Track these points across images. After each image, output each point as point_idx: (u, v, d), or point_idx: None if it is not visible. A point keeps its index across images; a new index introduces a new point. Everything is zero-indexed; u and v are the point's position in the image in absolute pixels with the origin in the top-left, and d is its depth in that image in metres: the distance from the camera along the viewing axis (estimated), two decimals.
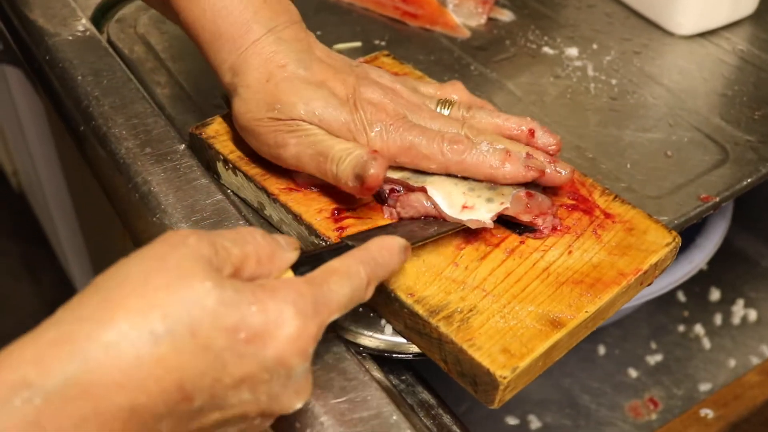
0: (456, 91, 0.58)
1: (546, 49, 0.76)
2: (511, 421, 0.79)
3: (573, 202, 0.56)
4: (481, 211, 0.52)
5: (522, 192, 0.53)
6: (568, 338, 0.48)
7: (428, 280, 0.50)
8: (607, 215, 0.55)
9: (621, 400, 0.82)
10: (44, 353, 0.33)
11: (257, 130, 0.54)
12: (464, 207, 0.52)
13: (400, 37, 0.77)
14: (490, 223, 0.52)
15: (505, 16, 0.81)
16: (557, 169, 0.54)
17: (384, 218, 0.53)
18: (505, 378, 0.45)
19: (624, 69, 0.74)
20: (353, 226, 0.53)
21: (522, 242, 0.53)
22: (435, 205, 0.52)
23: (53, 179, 1.30)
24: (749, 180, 0.63)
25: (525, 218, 0.53)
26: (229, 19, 0.53)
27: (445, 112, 0.56)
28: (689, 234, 0.81)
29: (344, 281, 0.41)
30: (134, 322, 0.34)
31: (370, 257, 0.43)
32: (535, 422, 0.79)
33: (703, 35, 0.79)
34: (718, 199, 0.61)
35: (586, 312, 0.49)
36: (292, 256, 0.43)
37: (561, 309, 0.49)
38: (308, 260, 0.43)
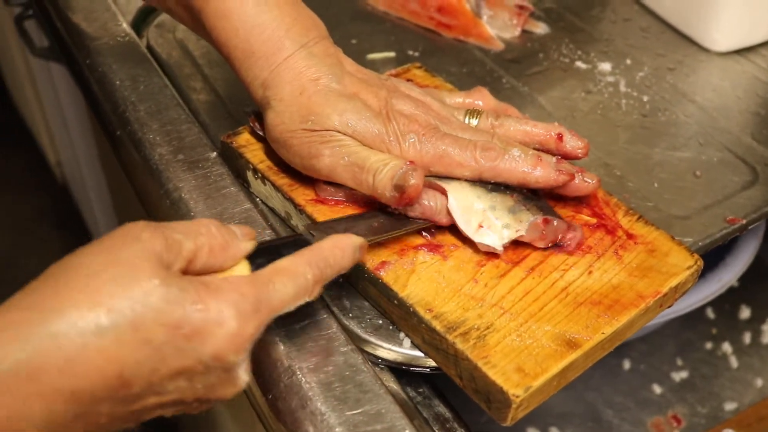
0: (482, 98, 0.60)
1: (579, 64, 0.76)
2: None
3: (596, 221, 0.56)
4: (495, 236, 0.53)
5: (539, 219, 0.53)
6: (583, 359, 0.49)
7: (447, 296, 0.50)
8: (630, 236, 0.55)
9: (644, 416, 0.82)
10: None
11: (290, 142, 0.55)
12: (480, 226, 0.53)
13: (434, 48, 0.78)
14: (500, 250, 0.53)
15: (540, 28, 0.81)
16: (585, 178, 0.55)
17: (414, 237, 0.54)
18: (518, 397, 0.45)
19: (657, 85, 0.74)
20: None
21: (542, 261, 0.53)
22: (450, 215, 0.53)
23: (94, 174, 1.33)
24: None
25: (540, 245, 0.53)
26: (262, 37, 0.55)
27: (474, 122, 0.57)
28: (719, 252, 0.80)
29: (289, 281, 0.43)
30: (81, 313, 0.37)
31: (320, 257, 0.45)
32: None
33: (739, 52, 0.78)
34: (745, 221, 0.61)
35: (603, 333, 0.49)
36: (247, 246, 0.44)
37: (577, 329, 0.49)
38: (265, 252, 0.44)
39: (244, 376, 0.42)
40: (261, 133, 0.59)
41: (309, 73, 0.55)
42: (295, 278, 0.43)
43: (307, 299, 0.44)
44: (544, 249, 0.54)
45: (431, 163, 0.54)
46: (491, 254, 0.53)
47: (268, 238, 0.46)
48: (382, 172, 0.52)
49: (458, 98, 0.60)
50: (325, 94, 0.54)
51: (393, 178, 0.51)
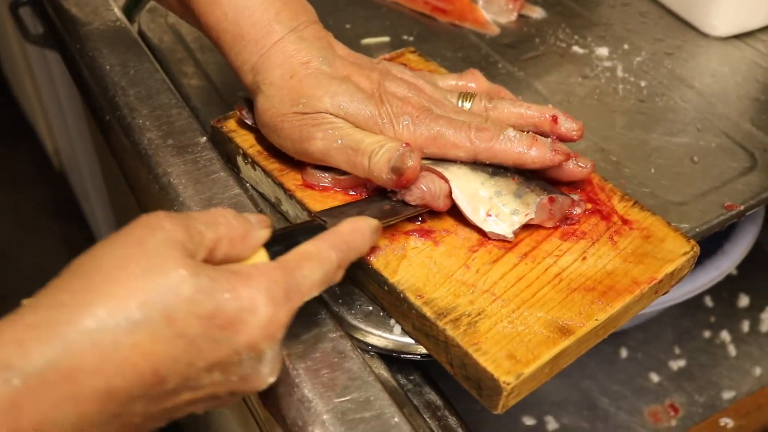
0: (475, 80, 0.59)
1: (576, 48, 0.75)
2: (528, 421, 0.78)
3: (591, 206, 0.55)
4: (505, 224, 0.52)
5: (545, 198, 0.52)
6: (576, 346, 0.48)
7: (438, 281, 0.50)
8: (625, 221, 0.54)
9: (641, 405, 0.81)
10: (24, 336, 0.34)
11: (281, 126, 0.54)
12: (488, 215, 0.52)
13: (429, 33, 0.77)
14: (511, 237, 0.52)
15: (536, 13, 0.80)
16: (579, 163, 0.54)
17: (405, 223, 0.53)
18: (508, 384, 0.45)
19: (654, 71, 0.73)
20: None
21: (535, 247, 0.52)
22: (449, 199, 0.53)
23: (90, 161, 1.32)
24: None
25: (549, 224, 0.53)
26: (251, 20, 0.54)
27: (467, 105, 0.56)
28: (718, 239, 0.79)
29: (316, 266, 0.42)
30: (112, 308, 0.35)
31: (342, 241, 0.44)
32: (552, 423, 0.79)
33: (738, 37, 0.77)
34: (742, 207, 0.60)
35: (596, 320, 0.48)
36: (264, 234, 0.43)
37: (570, 316, 0.48)
38: (281, 239, 0.44)
39: (274, 364, 0.41)
40: (248, 121, 0.58)
41: (299, 56, 0.54)
42: (322, 263, 0.43)
43: (332, 284, 0.44)
44: (554, 228, 0.53)
45: (426, 145, 0.53)
46: (484, 240, 0.52)
47: (281, 226, 0.45)
48: (377, 154, 0.51)
49: (451, 81, 0.59)
50: (316, 76, 0.53)
51: (390, 160, 0.51)
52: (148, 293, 0.36)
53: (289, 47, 0.54)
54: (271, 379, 0.42)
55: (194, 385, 0.38)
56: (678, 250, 0.53)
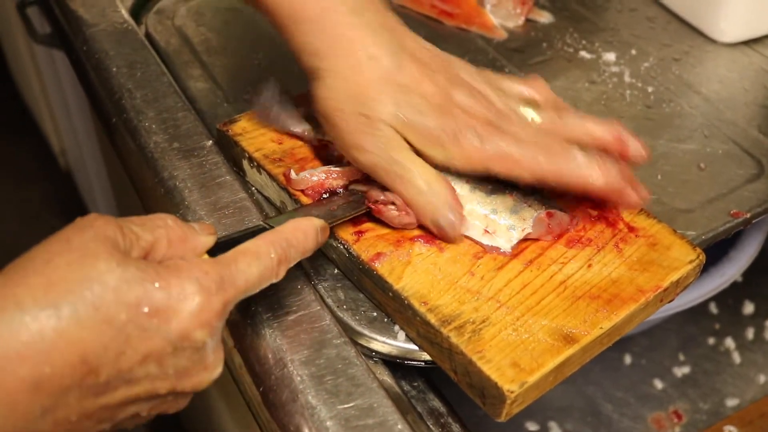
0: (540, 89, 0.56)
1: (583, 54, 0.75)
2: (532, 426, 0.78)
3: (597, 213, 0.55)
4: (502, 239, 0.52)
5: (543, 213, 0.52)
6: (581, 354, 0.48)
7: (443, 288, 0.50)
8: (631, 229, 0.54)
9: (644, 412, 0.81)
10: None
11: (338, 122, 0.52)
12: (485, 232, 0.52)
13: (436, 36, 0.77)
14: (509, 252, 0.52)
15: (544, 17, 0.79)
16: (640, 192, 0.53)
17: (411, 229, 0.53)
18: (512, 392, 0.44)
19: (662, 76, 0.72)
20: (372, 230, 0.53)
21: (541, 254, 0.52)
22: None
23: (95, 162, 1.32)
24: None
25: (547, 239, 0.52)
26: (321, 4, 0.51)
27: (533, 114, 0.54)
28: (723, 246, 0.79)
29: (252, 261, 0.42)
30: (36, 297, 0.35)
31: (282, 238, 0.44)
32: (555, 429, 0.79)
33: (746, 43, 0.77)
34: (749, 215, 0.60)
35: (601, 328, 0.48)
36: (208, 240, 0.43)
37: (575, 324, 0.48)
38: (225, 246, 0.43)
39: (215, 359, 0.41)
40: (255, 107, 0.58)
41: (368, 50, 0.51)
42: (259, 258, 0.42)
43: (273, 280, 0.43)
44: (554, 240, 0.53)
45: (491, 163, 0.51)
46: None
47: (227, 234, 0.45)
48: (424, 195, 0.51)
49: (516, 86, 0.56)
50: (382, 77, 0.51)
51: (435, 212, 0.51)
52: (73, 282, 0.36)
53: (356, 34, 0.51)
54: (212, 377, 0.41)
55: (129, 378, 0.38)
56: (684, 258, 0.53)
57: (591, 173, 0.51)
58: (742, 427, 0.73)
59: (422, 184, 0.51)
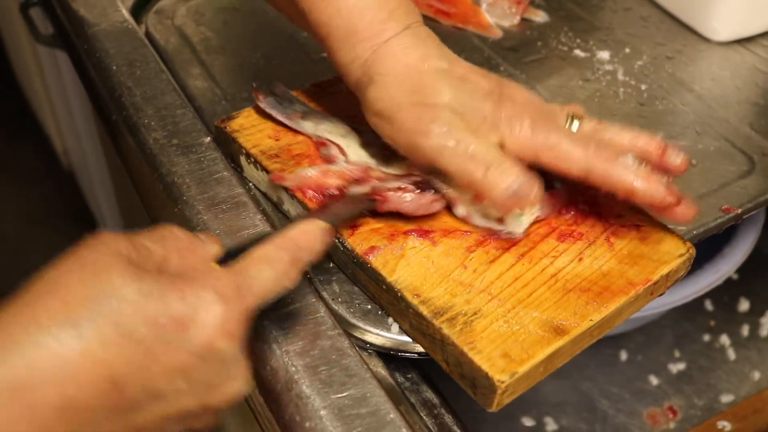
0: (576, 108, 0.57)
1: (577, 52, 0.76)
2: (527, 422, 0.79)
3: (588, 207, 0.56)
4: (514, 224, 0.53)
5: (546, 195, 0.53)
6: (571, 346, 0.49)
7: (435, 281, 0.50)
8: (622, 224, 0.55)
9: (640, 407, 0.81)
10: None
11: (396, 115, 0.52)
12: (498, 220, 0.54)
13: None
14: (521, 234, 0.53)
15: (539, 16, 0.80)
16: (688, 206, 0.52)
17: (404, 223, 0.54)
18: (503, 382, 0.45)
19: (655, 74, 0.73)
20: (366, 224, 0.54)
21: (533, 247, 0.53)
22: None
23: (98, 161, 1.33)
24: None
25: (552, 216, 0.55)
26: (366, 19, 0.53)
27: (576, 123, 0.55)
28: (717, 243, 0.80)
29: (265, 266, 0.42)
30: (56, 319, 0.35)
31: (291, 241, 0.44)
32: (551, 424, 0.80)
33: (739, 41, 0.77)
34: (740, 210, 0.60)
35: (591, 320, 0.49)
36: (215, 248, 0.44)
37: (565, 316, 0.49)
38: (233, 254, 0.43)
39: (242, 370, 0.40)
40: (262, 105, 0.59)
41: (417, 50, 0.53)
42: (272, 263, 0.42)
43: (288, 284, 0.43)
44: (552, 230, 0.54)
45: (541, 152, 0.52)
46: (481, 240, 0.53)
47: (234, 243, 0.46)
48: (496, 170, 0.50)
49: (556, 106, 0.57)
50: (437, 71, 0.53)
51: (511, 184, 0.50)
52: (91, 301, 0.36)
53: (405, 41, 0.53)
54: (242, 388, 0.41)
55: (157, 395, 0.37)
56: (674, 251, 0.53)
57: (637, 178, 0.51)
58: (736, 423, 0.74)
59: (492, 160, 0.51)
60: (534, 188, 0.51)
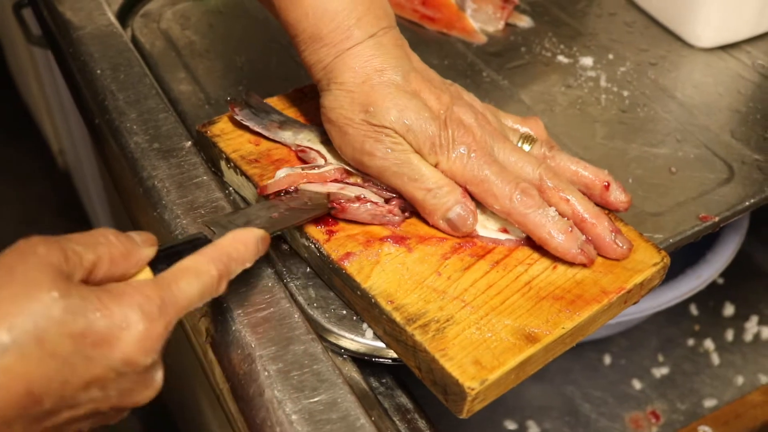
0: (536, 128, 0.59)
1: (561, 58, 0.76)
2: (510, 425, 0.79)
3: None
4: (516, 231, 0.54)
5: None
6: (543, 353, 0.49)
7: (409, 288, 0.51)
8: None
9: (622, 411, 0.82)
10: None
11: (346, 129, 0.54)
12: (500, 230, 0.55)
13: (416, 41, 0.78)
14: (523, 237, 0.54)
15: (524, 22, 0.81)
16: (617, 241, 0.53)
17: (381, 229, 0.54)
18: (473, 389, 0.46)
19: (637, 81, 0.74)
20: (343, 230, 0.54)
21: (507, 255, 0.53)
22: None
23: (91, 162, 1.34)
24: (752, 201, 0.62)
25: None
26: (332, 25, 0.54)
27: (527, 148, 0.57)
28: (700, 248, 0.80)
29: (193, 280, 0.42)
30: None
31: (222, 253, 0.45)
32: (533, 428, 0.80)
33: (723, 48, 0.78)
34: (717, 219, 0.61)
35: (563, 328, 0.49)
36: (149, 252, 0.44)
37: (538, 324, 0.49)
38: (166, 256, 0.44)
39: (158, 377, 0.42)
40: (238, 117, 0.59)
41: (375, 62, 0.54)
42: (199, 276, 0.43)
43: (215, 296, 0.44)
44: None
45: (470, 183, 0.53)
46: (456, 247, 0.53)
47: (167, 243, 0.46)
48: (436, 197, 0.53)
49: (514, 123, 0.59)
50: (388, 86, 0.54)
51: (448, 211, 0.53)
52: (16, 316, 0.36)
53: (366, 52, 0.54)
54: (153, 394, 0.42)
55: (72, 404, 0.38)
56: (648, 260, 0.54)
57: (554, 231, 0.52)
58: (718, 428, 0.74)
59: (432, 184, 0.53)
60: (469, 218, 0.53)
